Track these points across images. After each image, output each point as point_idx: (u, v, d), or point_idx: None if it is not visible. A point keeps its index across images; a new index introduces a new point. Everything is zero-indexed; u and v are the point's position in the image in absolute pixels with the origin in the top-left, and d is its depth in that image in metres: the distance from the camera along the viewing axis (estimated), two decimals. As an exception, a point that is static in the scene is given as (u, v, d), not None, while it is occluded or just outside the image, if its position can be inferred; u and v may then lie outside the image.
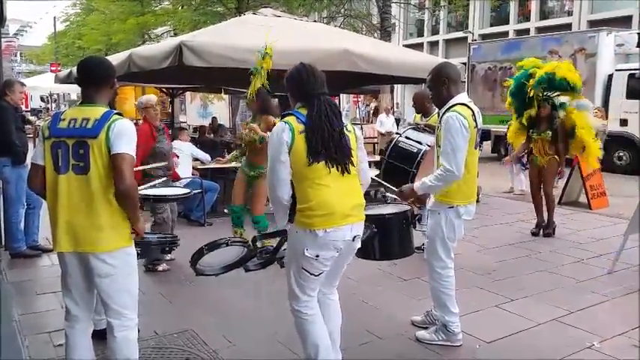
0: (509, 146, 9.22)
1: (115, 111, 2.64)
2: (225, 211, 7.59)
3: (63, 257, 2.62)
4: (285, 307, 2.87)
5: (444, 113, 3.33)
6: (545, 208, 6.69)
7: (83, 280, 2.65)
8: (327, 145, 2.61)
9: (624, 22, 19.63)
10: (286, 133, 2.59)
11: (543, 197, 6.66)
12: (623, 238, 5.05)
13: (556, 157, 6.46)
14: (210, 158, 8.03)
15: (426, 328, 3.69)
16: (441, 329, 3.54)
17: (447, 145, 3.20)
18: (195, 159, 7.74)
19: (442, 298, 3.49)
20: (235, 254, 3.08)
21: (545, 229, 6.58)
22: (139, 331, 3.45)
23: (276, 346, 3.49)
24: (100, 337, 3.00)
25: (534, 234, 6.59)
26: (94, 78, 2.66)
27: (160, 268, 5.03)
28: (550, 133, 6.39)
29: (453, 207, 3.38)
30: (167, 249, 3.96)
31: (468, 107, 3.31)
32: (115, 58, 7.84)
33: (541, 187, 6.61)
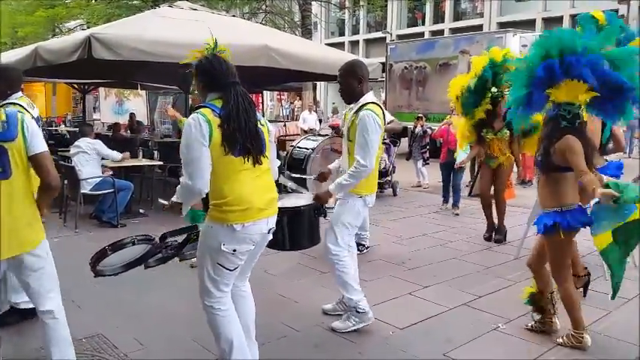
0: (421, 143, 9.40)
1: (8, 102, 2.51)
2: (141, 211, 7.29)
3: None
4: (198, 304, 2.81)
5: (358, 110, 3.44)
6: (493, 212, 6.26)
7: None
8: (244, 136, 2.55)
9: (529, 24, 21.16)
10: (204, 125, 2.48)
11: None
12: (525, 226, 5.38)
13: (512, 156, 6.02)
14: (118, 156, 7.17)
15: (339, 315, 3.76)
16: (352, 314, 3.62)
17: (362, 142, 3.35)
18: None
19: (342, 277, 3.59)
20: (140, 252, 2.95)
21: (496, 233, 6.13)
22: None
23: (190, 345, 3.41)
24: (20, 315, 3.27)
25: (487, 239, 6.13)
26: None
27: None
28: (507, 132, 5.90)
29: (361, 197, 3.56)
30: None
31: (379, 106, 3.49)
32: (20, 52, 7.41)
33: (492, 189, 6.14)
